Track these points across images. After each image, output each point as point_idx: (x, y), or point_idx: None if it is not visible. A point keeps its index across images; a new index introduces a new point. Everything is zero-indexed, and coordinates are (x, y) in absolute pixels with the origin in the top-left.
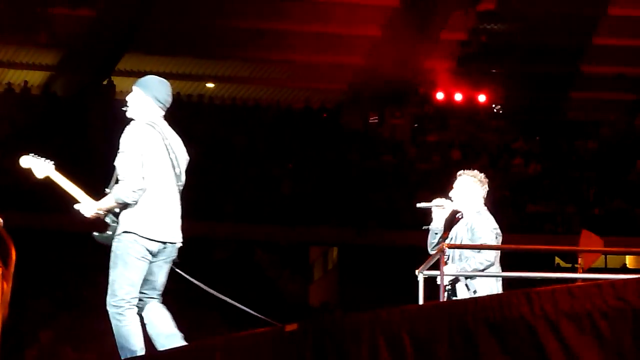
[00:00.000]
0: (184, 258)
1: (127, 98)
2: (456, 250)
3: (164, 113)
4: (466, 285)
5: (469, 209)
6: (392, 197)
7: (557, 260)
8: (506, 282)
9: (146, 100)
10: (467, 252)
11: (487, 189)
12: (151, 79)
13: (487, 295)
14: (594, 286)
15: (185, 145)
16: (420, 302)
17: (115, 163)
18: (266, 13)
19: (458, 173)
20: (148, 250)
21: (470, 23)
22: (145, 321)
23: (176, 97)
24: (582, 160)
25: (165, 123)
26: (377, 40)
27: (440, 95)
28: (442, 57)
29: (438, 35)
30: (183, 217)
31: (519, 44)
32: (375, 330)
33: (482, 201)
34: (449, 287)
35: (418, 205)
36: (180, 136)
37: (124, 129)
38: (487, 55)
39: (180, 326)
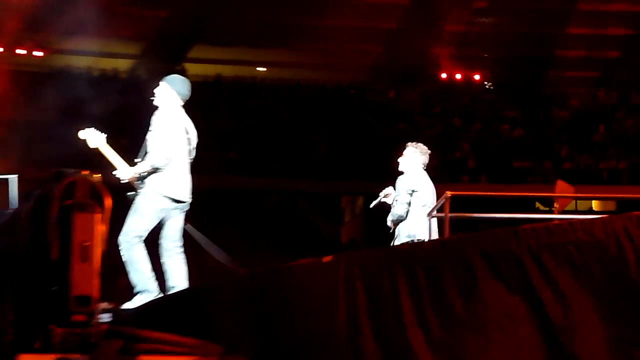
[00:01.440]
0: (243, 206)
1: (156, 90)
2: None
3: (182, 103)
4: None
5: (410, 174)
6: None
7: (538, 204)
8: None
9: (171, 93)
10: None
11: (428, 157)
12: (176, 78)
13: (483, 232)
14: (567, 224)
15: (243, 117)
16: (429, 238)
17: (148, 137)
18: (304, 10)
19: (406, 144)
20: (165, 206)
21: (467, 17)
22: (164, 269)
23: (234, 79)
24: (556, 126)
25: (183, 110)
26: (393, 32)
27: (443, 75)
28: (445, 45)
29: (442, 27)
30: (243, 173)
31: (506, 33)
32: (394, 261)
33: (422, 166)
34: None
35: (371, 205)
36: (238, 110)
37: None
38: (481, 42)
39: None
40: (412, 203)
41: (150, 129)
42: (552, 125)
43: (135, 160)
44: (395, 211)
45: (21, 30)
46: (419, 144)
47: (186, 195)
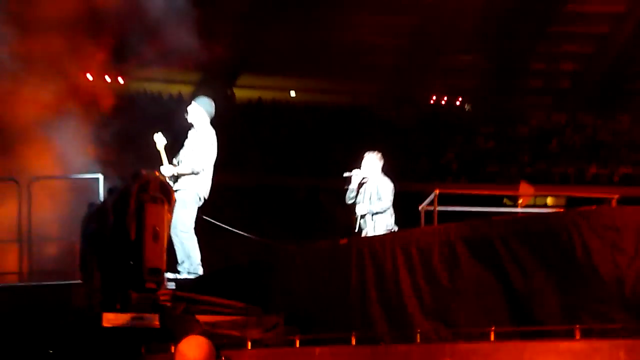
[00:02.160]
0: (278, 199)
1: (188, 108)
2: (369, 195)
3: (210, 119)
4: (371, 218)
5: (373, 175)
6: (402, 158)
7: (505, 200)
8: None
9: (201, 112)
10: (375, 198)
11: (383, 162)
12: (205, 99)
13: (463, 222)
14: (529, 216)
15: (278, 131)
16: (422, 226)
17: (186, 146)
18: (327, 49)
19: (365, 153)
20: (199, 203)
21: (452, 55)
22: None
23: (272, 101)
24: (519, 139)
25: (210, 126)
26: (396, 66)
27: (433, 100)
28: (434, 76)
29: (432, 63)
30: (278, 173)
31: (481, 68)
32: (395, 244)
33: (380, 170)
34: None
35: (345, 174)
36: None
37: (234, 121)
38: (461, 75)
39: None
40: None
41: (189, 141)
42: (516, 139)
43: (174, 162)
44: (383, 205)
45: (109, 61)
46: (375, 151)
47: (207, 193)
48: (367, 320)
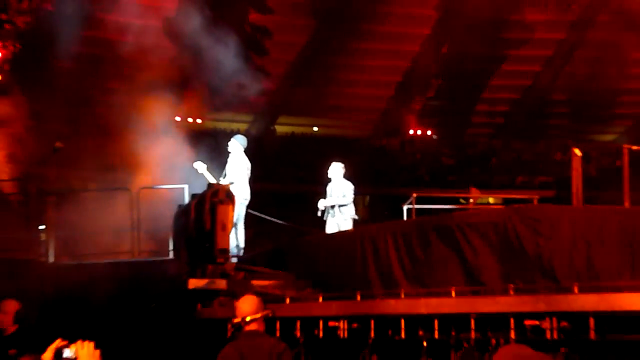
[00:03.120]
0: (305, 201)
1: (229, 143)
2: (336, 193)
3: (244, 149)
4: (339, 209)
5: (338, 179)
6: (389, 172)
7: (461, 200)
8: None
9: (238, 145)
10: (340, 195)
11: (344, 169)
12: (240, 136)
13: (433, 215)
14: (478, 211)
15: (303, 155)
16: (405, 219)
17: (227, 167)
18: (338, 99)
19: (332, 163)
20: (243, 202)
21: (423, 101)
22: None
23: (301, 134)
24: (470, 158)
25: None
26: (383, 109)
27: (411, 131)
28: (412, 114)
29: (410, 105)
30: (306, 183)
31: (443, 109)
32: (386, 230)
33: (343, 174)
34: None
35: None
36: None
37: (275, 148)
38: (431, 113)
39: None
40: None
41: (229, 163)
42: (468, 158)
43: (220, 179)
44: (346, 200)
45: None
46: (339, 162)
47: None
48: (367, 283)
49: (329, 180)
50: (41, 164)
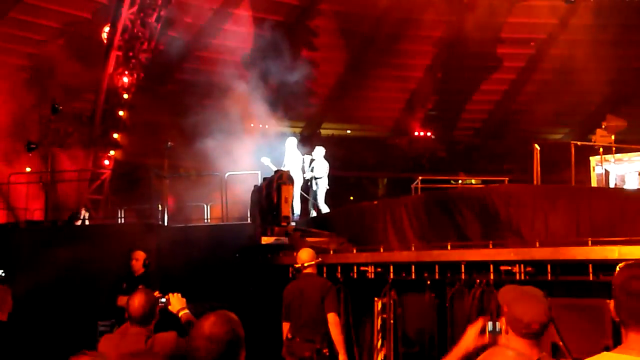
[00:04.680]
0: (343, 183)
1: (286, 142)
2: (316, 168)
3: (295, 146)
4: (315, 181)
5: (319, 158)
6: (404, 164)
7: (452, 181)
8: (438, 189)
9: (292, 143)
10: (319, 170)
11: (325, 151)
12: (293, 138)
13: (433, 191)
14: (465, 189)
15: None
16: (413, 194)
17: (286, 160)
18: (362, 107)
19: (316, 147)
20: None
21: (425, 110)
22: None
23: (338, 135)
24: (458, 152)
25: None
26: (397, 118)
27: (416, 133)
28: (416, 119)
29: (416, 112)
30: (347, 170)
31: (440, 116)
32: (400, 203)
33: (322, 156)
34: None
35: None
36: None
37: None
38: (431, 118)
39: None
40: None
41: (286, 156)
42: (456, 152)
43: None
44: (323, 174)
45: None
46: (321, 147)
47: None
48: (387, 240)
49: (313, 159)
50: (158, 156)
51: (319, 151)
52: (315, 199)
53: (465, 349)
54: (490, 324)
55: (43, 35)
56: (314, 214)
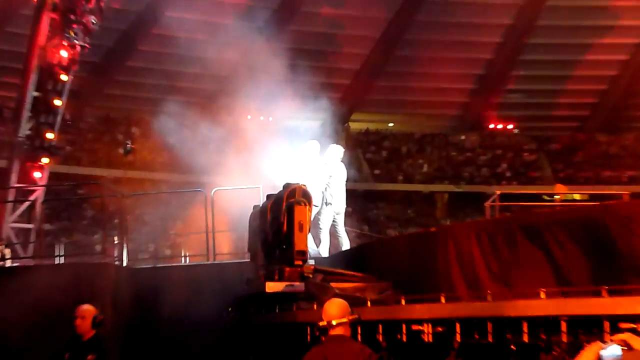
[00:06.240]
0: (383, 200)
1: (305, 147)
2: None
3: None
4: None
5: (333, 164)
6: (473, 172)
7: (544, 197)
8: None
9: (315, 148)
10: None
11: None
12: (313, 141)
13: (517, 213)
14: (565, 209)
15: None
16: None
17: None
18: (410, 92)
19: (331, 147)
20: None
21: (503, 93)
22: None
23: (376, 130)
24: (554, 152)
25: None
26: (463, 103)
27: (491, 126)
28: (491, 108)
29: (489, 98)
30: (382, 182)
31: (525, 103)
32: (470, 229)
33: (340, 157)
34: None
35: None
36: (378, 148)
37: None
38: (511, 107)
39: None
40: None
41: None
42: (551, 153)
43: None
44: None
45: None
46: (339, 146)
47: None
48: (451, 284)
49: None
50: (114, 165)
51: (334, 152)
52: (318, 225)
53: None
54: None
55: None
56: (320, 249)
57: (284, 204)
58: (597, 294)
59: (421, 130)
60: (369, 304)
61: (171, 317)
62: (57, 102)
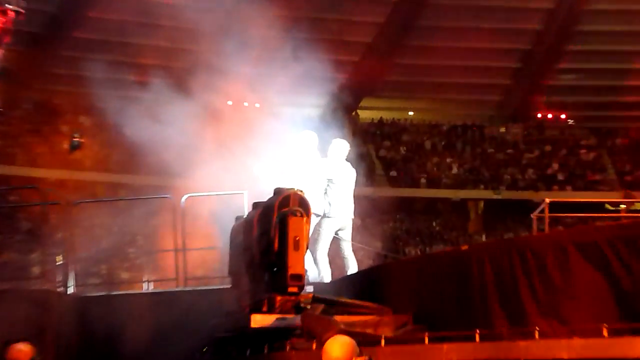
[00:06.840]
0: (400, 209)
1: (300, 139)
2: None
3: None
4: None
5: (336, 162)
6: (517, 173)
7: (607, 205)
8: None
9: (313, 141)
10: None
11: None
12: (309, 132)
13: (573, 228)
14: (633, 222)
15: (398, 147)
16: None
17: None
18: (442, 72)
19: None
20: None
21: (555, 75)
22: None
23: (392, 120)
24: (619, 149)
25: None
26: (504, 86)
27: (539, 115)
28: (540, 94)
29: (538, 82)
30: (399, 186)
31: (582, 85)
32: (511, 248)
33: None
34: None
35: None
36: (394, 142)
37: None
38: (565, 92)
39: None
40: None
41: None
42: (616, 150)
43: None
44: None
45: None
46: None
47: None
48: (488, 318)
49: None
50: (56, 164)
51: (338, 149)
52: (316, 243)
53: None
54: None
55: None
56: (321, 272)
57: (275, 215)
58: None
59: (450, 120)
60: (382, 343)
61: (130, 359)
62: None
